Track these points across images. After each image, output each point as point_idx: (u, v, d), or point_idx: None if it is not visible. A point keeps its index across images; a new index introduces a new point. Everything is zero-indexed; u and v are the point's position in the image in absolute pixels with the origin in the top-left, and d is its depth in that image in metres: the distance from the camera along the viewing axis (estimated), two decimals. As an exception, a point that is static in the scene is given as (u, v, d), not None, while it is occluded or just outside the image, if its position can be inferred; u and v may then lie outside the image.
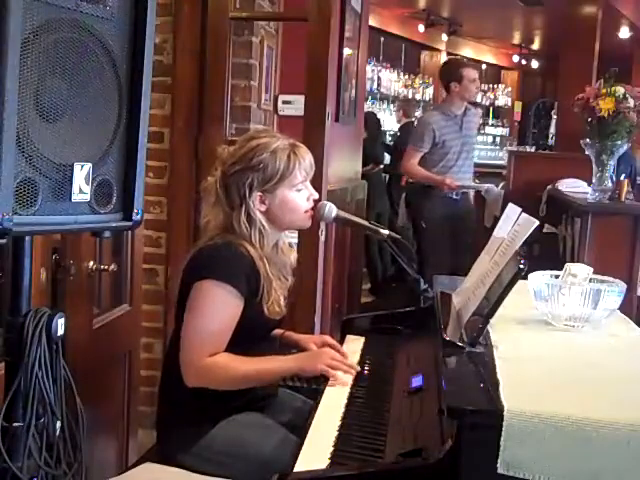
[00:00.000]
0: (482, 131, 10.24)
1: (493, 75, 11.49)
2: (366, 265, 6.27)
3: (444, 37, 9.49)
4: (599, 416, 1.22)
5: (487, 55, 11.18)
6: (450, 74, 4.55)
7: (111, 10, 1.31)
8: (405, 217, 6.22)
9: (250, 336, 1.84)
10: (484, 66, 11.26)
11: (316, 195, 1.96)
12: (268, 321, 1.88)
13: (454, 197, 4.52)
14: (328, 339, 2.03)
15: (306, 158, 1.89)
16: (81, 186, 1.27)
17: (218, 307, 1.78)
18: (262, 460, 1.74)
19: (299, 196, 1.90)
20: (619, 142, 3.68)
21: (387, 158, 7.25)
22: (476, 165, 8.09)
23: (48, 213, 1.23)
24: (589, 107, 3.68)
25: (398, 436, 1.49)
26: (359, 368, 1.86)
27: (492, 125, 11.04)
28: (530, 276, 1.78)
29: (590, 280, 1.79)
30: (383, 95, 8.94)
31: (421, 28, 8.88)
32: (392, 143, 7.83)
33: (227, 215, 1.86)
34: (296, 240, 2.91)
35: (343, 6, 3.70)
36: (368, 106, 8.07)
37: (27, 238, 1.33)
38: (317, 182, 2.81)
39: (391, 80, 9.04)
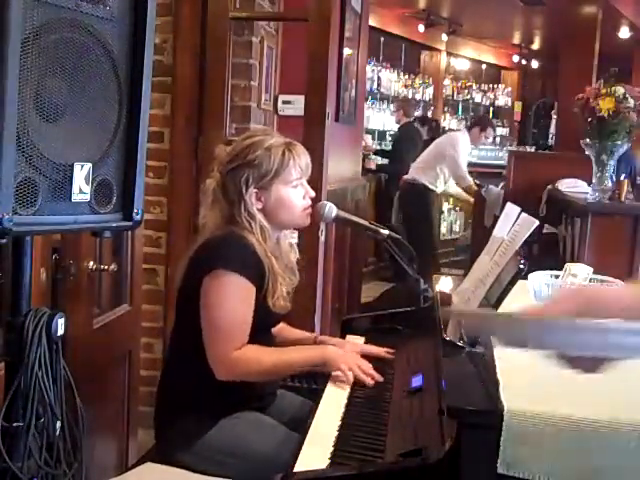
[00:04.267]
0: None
1: (493, 75, 11.47)
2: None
3: (444, 37, 9.48)
4: (599, 416, 1.22)
5: (487, 55, 11.16)
6: None
7: (111, 10, 1.31)
8: (399, 217, 6.23)
9: (254, 329, 1.83)
10: (484, 66, 11.26)
11: (312, 193, 1.96)
12: (273, 315, 1.88)
13: None
14: (370, 348, 1.98)
15: (301, 156, 1.90)
16: (81, 186, 1.27)
17: (236, 298, 1.78)
18: (263, 459, 1.74)
19: (294, 193, 1.90)
20: (619, 142, 3.68)
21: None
22: (476, 165, 8.13)
23: (48, 213, 1.23)
24: (589, 107, 3.67)
25: (398, 436, 1.49)
26: (382, 379, 1.81)
27: (492, 125, 11.03)
28: (530, 276, 1.78)
29: (590, 280, 1.79)
30: (383, 95, 8.93)
31: (421, 28, 8.87)
32: (391, 144, 7.84)
33: (226, 212, 1.87)
34: (296, 240, 2.91)
35: (343, 6, 3.71)
36: (368, 106, 8.07)
37: (27, 238, 1.33)
38: (317, 182, 2.82)
39: (391, 80, 9.03)
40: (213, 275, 1.77)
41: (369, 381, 1.78)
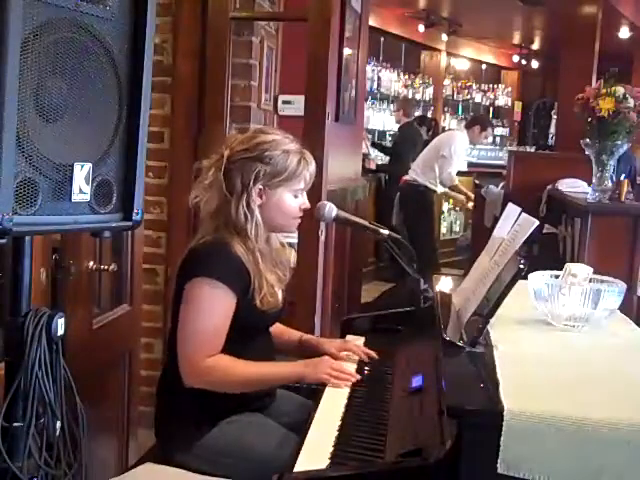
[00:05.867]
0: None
1: (493, 75, 11.47)
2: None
3: (444, 37, 9.48)
4: (599, 416, 1.22)
5: (487, 55, 11.15)
6: None
7: (111, 10, 1.31)
8: (400, 218, 6.23)
9: (247, 331, 1.84)
10: (484, 66, 11.26)
11: (308, 206, 1.96)
12: (263, 314, 1.86)
13: None
14: (350, 344, 2.02)
15: (311, 168, 1.92)
16: (81, 186, 1.27)
17: (213, 306, 1.78)
18: (263, 460, 1.74)
19: (294, 201, 1.91)
20: (619, 142, 3.68)
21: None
22: (476, 165, 8.14)
23: (48, 213, 1.23)
24: (589, 107, 3.67)
25: (398, 436, 1.49)
26: (359, 377, 1.83)
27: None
28: (530, 276, 1.78)
29: (590, 280, 1.79)
30: (383, 95, 8.93)
31: (421, 28, 8.87)
32: (391, 143, 7.84)
33: (223, 201, 1.85)
34: (296, 240, 2.91)
35: (343, 6, 3.70)
36: (368, 106, 8.07)
37: (27, 238, 1.33)
38: (317, 182, 2.80)
39: (391, 80, 9.02)
40: (193, 282, 1.78)
41: (347, 384, 1.79)
